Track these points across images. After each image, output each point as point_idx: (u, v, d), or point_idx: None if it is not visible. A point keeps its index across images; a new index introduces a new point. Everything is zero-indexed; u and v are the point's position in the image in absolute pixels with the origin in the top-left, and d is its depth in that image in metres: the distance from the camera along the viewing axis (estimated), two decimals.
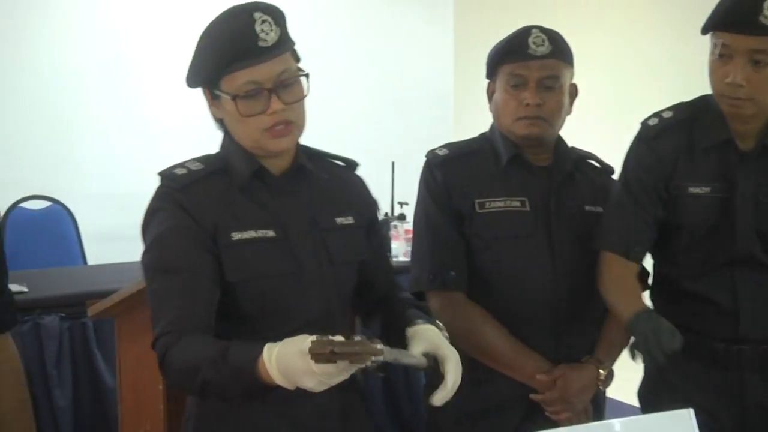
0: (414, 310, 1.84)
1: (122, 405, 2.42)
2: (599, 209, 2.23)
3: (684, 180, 2.12)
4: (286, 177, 1.78)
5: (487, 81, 2.28)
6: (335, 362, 1.42)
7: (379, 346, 1.46)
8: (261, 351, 1.51)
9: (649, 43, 6.53)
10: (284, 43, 1.71)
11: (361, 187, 1.96)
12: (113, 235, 5.11)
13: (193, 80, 1.77)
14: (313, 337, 1.44)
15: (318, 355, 1.42)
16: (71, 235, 4.65)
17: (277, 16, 1.70)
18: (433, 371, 1.67)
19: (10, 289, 1.87)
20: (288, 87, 1.70)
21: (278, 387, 1.51)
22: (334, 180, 1.88)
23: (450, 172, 2.24)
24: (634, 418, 1.84)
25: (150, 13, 5.28)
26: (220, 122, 1.78)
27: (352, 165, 1.96)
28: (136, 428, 2.32)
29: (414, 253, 2.28)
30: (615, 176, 2.36)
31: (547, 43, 2.15)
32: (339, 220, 1.83)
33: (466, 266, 2.21)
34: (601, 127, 6.69)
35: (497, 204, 2.20)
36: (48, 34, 5.07)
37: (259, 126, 1.68)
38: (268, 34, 1.68)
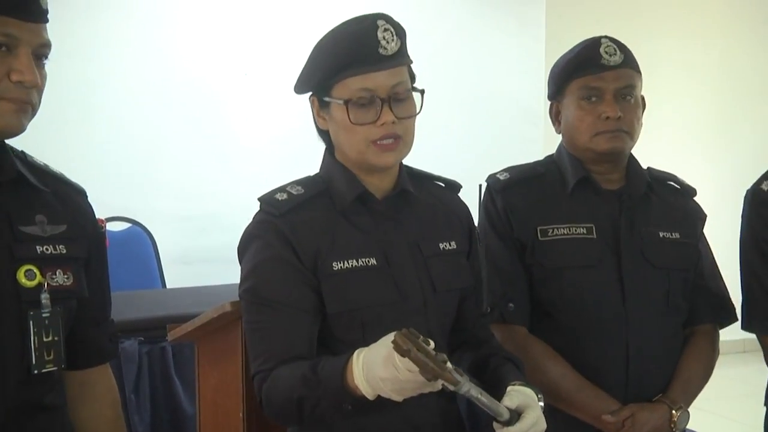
0: (513, 368, 1.83)
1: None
2: (676, 235, 2.18)
3: None
4: (389, 201, 1.81)
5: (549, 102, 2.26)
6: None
7: (460, 377, 1.49)
8: (351, 356, 1.56)
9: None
10: (403, 56, 1.76)
11: (463, 210, 1.98)
12: (193, 258, 5.19)
13: (302, 86, 1.82)
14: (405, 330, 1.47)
15: (398, 345, 1.44)
16: (150, 257, 4.71)
17: (399, 29, 1.77)
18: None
19: (112, 319, 1.91)
20: (401, 101, 1.75)
21: (367, 400, 1.54)
22: (437, 203, 1.88)
23: (511, 197, 2.22)
24: None
25: (230, 32, 5.37)
26: (325, 136, 1.80)
27: (454, 187, 1.98)
28: None
29: None
30: (699, 198, 2.31)
31: (618, 52, 2.14)
32: (442, 245, 1.85)
33: (528, 298, 2.19)
34: (692, 146, 6.57)
35: (561, 231, 2.17)
36: (128, 53, 5.16)
37: (368, 137, 1.72)
38: (389, 43, 1.73)
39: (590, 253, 2.15)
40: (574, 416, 2.12)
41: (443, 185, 1.96)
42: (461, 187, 1.99)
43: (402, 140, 1.75)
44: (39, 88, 1.62)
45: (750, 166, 6.46)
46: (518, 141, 5.69)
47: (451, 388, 1.50)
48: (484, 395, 1.60)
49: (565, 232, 2.17)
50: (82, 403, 1.84)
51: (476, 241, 1.99)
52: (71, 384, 1.81)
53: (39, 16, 1.60)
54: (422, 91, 1.78)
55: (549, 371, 2.11)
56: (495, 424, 1.67)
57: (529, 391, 1.71)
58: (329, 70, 1.73)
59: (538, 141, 5.72)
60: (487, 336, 1.97)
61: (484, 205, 2.26)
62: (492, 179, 2.27)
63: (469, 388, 1.53)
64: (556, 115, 2.24)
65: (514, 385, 1.73)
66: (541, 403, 1.73)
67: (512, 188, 2.23)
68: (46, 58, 1.64)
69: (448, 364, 1.48)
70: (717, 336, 2.29)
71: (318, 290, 1.74)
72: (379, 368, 1.48)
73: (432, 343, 1.48)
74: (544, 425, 1.69)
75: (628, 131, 2.14)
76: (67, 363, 1.73)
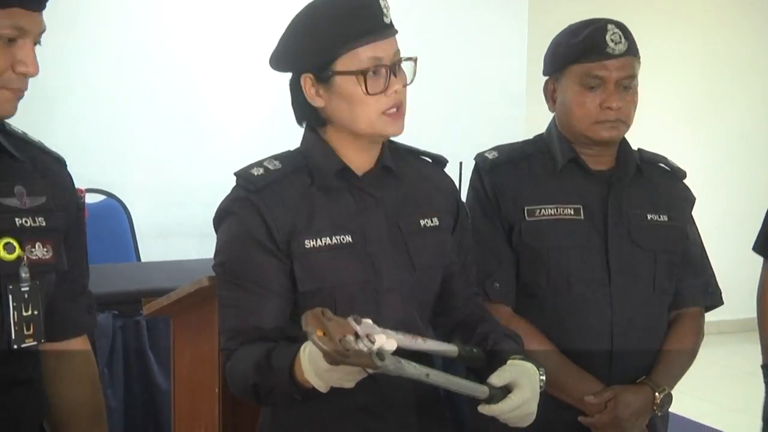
0: (512, 344, 1.85)
1: (176, 408, 2.46)
2: (664, 218, 2.20)
3: None
4: (369, 177, 1.80)
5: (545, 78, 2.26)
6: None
7: (389, 361, 1.47)
8: (299, 350, 1.56)
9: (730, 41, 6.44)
10: (393, 25, 1.77)
11: (448, 185, 1.98)
12: (168, 231, 5.18)
13: (291, 63, 1.80)
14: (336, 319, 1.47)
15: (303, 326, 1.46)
16: (125, 230, 4.70)
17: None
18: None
19: (90, 290, 1.90)
20: (400, 70, 1.75)
21: (315, 391, 1.55)
22: (420, 179, 1.89)
23: (499, 177, 2.23)
24: None
25: (206, 6, 5.35)
26: (311, 113, 1.79)
27: (441, 162, 1.99)
28: None
29: None
30: (687, 180, 2.33)
31: (623, 39, 2.12)
32: (423, 222, 1.85)
33: (514, 278, 2.21)
34: (680, 127, 6.61)
35: (548, 212, 2.18)
36: (106, 27, 5.15)
37: (379, 107, 1.73)
38: (389, 10, 1.76)
39: (577, 234, 2.18)
40: (557, 397, 2.13)
41: (429, 160, 1.96)
42: (447, 162, 1.99)
43: (403, 108, 1.78)
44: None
45: (737, 147, 6.55)
46: (500, 120, 5.70)
47: (369, 371, 1.50)
48: (442, 376, 1.60)
49: (553, 213, 2.18)
50: (59, 376, 1.84)
51: (465, 216, 2.00)
52: (48, 356, 1.81)
53: (43, 3, 1.61)
54: (415, 59, 1.79)
55: (532, 352, 2.09)
56: (479, 407, 1.68)
57: (527, 367, 1.73)
58: (334, 42, 1.71)
59: (519, 120, 5.73)
60: (483, 314, 1.97)
61: (471, 184, 2.29)
62: (480, 158, 2.28)
63: (405, 370, 1.52)
64: (550, 93, 2.23)
65: (514, 359, 1.74)
66: (543, 377, 1.75)
67: (500, 167, 2.24)
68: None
69: (376, 346, 1.47)
70: (702, 319, 2.32)
71: (290, 271, 1.74)
72: (321, 359, 1.47)
73: (357, 324, 1.48)
74: (532, 408, 1.70)
75: (626, 121, 2.16)
76: (45, 335, 1.73)
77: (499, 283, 2.19)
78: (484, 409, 1.67)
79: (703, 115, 6.79)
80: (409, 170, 1.90)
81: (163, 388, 3.17)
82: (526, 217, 2.18)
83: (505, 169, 2.24)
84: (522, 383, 1.69)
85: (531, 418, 1.71)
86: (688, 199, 2.35)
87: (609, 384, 2.15)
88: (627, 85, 2.13)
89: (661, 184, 2.29)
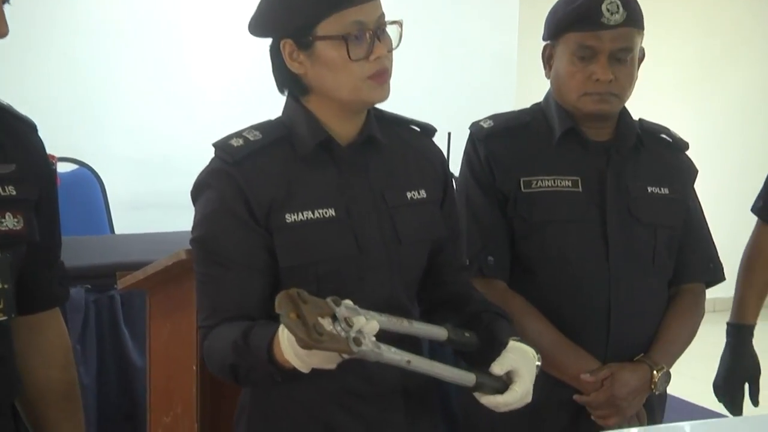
0: (507, 325, 1.85)
1: (151, 386, 2.46)
2: (665, 191, 2.21)
3: None
4: (354, 148, 1.80)
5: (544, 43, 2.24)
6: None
7: (365, 347, 1.46)
8: (278, 330, 1.55)
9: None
10: None
11: (437, 156, 1.97)
12: (144, 203, 5.17)
13: (271, 28, 1.77)
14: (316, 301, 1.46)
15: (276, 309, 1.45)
16: (98, 201, 4.67)
17: None
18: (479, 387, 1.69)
19: (63, 261, 1.90)
20: (384, 34, 1.73)
21: (296, 370, 1.54)
22: (407, 149, 1.89)
23: (494, 147, 2.23)
24: (705, 422, 1.85)
25: None
26: (292, 80, 1.78)
27: (429, 131, 1.98)
28: (166, 411, 2.36)
29: None
30: (689, 152, 2.34)
31: (621, 9, 2.08)
32: (410, 194, 1.85)
33: (509, 252, 2.21)
34: (680, 97, 6.63)
35: (545, 183, 2.18)
36: None
37: (363, 73, 1.71)
38: None
39: (575, 207, 2.17)
40: (552, 375, 2.13)
41: (417, 129, 1.95)
42: (436, 131, 1.98)
43: (388, 74, 1.75)
44: None
45: (734, 118, 6.57)
46: (490, 90, 5.70)
47: (344, 356, 1.49)
48: (425, 362, 1.60)
49: (549, 185, 2.18)
50: (31, 350, 1.83)
51: (452, 189, 1.99)
52: (20, 330, 1.79)
53: None
54: (400, 23, 1.77)
55: (527, 328, 2.11)
56: (476, 393, 1.69)
57: (526, 351, 1.73)
58: (315, 6, 1.69)
59: (510, 90, 5.74)
60: (470, 292, 1.97)
61: (465, 154, 2.28)
62: (475, 127, 2.27)
63: (384, 356, 1.52)
64: (548, 59, 2.21)
65: (515, 341, 1.75)
66: (538, 363, 1.75)
67: (496, 137, 2.24)
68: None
69: (354, 330, 1.46)
70: (703, 296, 2.33)
71: (271, 246, 1.74)
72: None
73: (336, 306, 1.48)
74: (530, 398, 1.72)
75: (618, 94, 2.14)
76: (17, 309, 1.71)
77: (493, 257, 2.18)
78: (485, 399, 1.68)
79: (700, 85, 6.81)
80: (396, 140, 1.88)
81: (138, 365, 3.17)
82: (522, 189, 2.18)
83: (500, 138, 2.23)
84: (522, 372, 1.70)
85: (527, 401, 1.73)
86: (691, 172, 2.34)
87: (605, 362, 2.15)
88: (622, 58, 2.11)
89: (662, 155, 2.28)
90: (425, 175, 1.91)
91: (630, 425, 2.14)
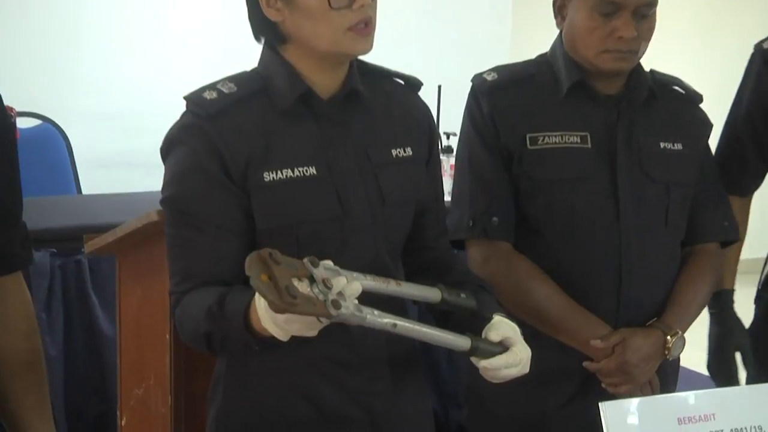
0: (491, 298, 1.84)
1: (122, 356, 2.47)
2: (678, 146, 2.21)
3: None
4: (335, 102, 1.78)
5: None
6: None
7: (336, 312, 1.44)
8: (254, 296, 1.53)
9: None
10: None
11: (423, 112, 1.95)
12: (112, 161, 5.16)
13: None
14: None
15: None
16: (63, 159, 4.68)
17: None
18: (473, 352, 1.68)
19: (24, 222, 1.87)
20: None
21: (274, 339, 1.53)
22: (392, 104, 1.88)
23: (498, 101, 2.21)
24: (710, 391, 1.87)
25: None
26: (270, 28, 1.77)
27: (415, 85, 1.96)
28: (138, 383, 2.37)
29: (454, 194, 2.28)
30: (703, 105, 2.34)
31: None
32: (395, 152, 1.84)
33: (514, 212, 2.20)
34: (692, 44, 6.61)
35: (552, 139, 2.17)
36: None
37: (344, 23, 1.69)
38: None
39: (583, 164, 2.16)
40: (560, 341, 2.15)
41: (402, 83, 1.93)
42: (422, 84, 1.96)
43: (372, 24, 1.73)
44: None
45: (734, 70, 6.56)
46: (483, 42, 5.68)
47: (323, 320, 1.47)
48: (414, 326, 1.59)
49: (557, 141, 2.17)
50: None
51: (437, 148, 1.99)
52: None
53: None
54: None
55: (534, 292, 2.13)
56: (473, 359, 1.68)
57: (514, 326, 1.73)
58: None
59: (504, 41, 5.71)
60: (452, 259, 1.96)
61: (468, 109, 2.26)
62: (478, 79, 2.25)
63: (367, 320, 1.50)
64: (560, 9, 2.19)
65: (499, 316, 1.75)
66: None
67: (500, 90, 2.22)
68: None
69: (334, 292, 1.45)
70: (718, 257, 2.33)
71: (247, 206, 1.73)
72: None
73: (313, 267, 1.46)
74: (528, 368, 1.71)
75: (638, 51, 2.13)
76: None
77: (498, 217, 2.17)
78: (484, 363, 1.67)
79: (701, 36, 6.81)
80: (380, 94, 1.86)
81: (107, 335, 3.18)
82: (528, 145, 2.16)
83: (505, 92, 2.21)
84: (519, 339, 1.70)
85: (525, 371, 1.72)
86: (705, 126, 2.33)
87: (617, 327, 2.15)
88: (645, 14, 2.09)
89: (675, 109, 2.27)
90: (411, 132, 1.89)
91: (643, 393, 2.13)
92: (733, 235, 2.34)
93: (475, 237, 2.17)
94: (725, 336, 2.44)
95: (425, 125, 1.94)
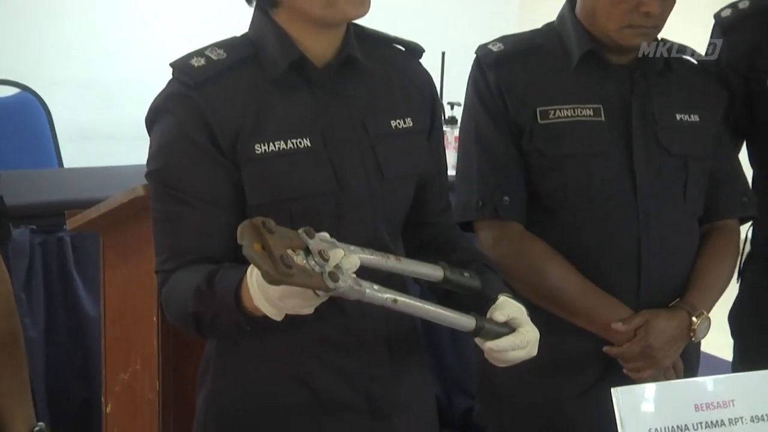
0: (496, 278, 1.83)
1: (106, 339, 2.47)
2: (695, 118, 2.20)
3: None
4: (331, 70, 1.77)
5: None
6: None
7: (334, 284, 1.42)
8: (245, 274, 1.52)
9: None
10: None
11: (424, 80, 1.93)
12: (95, 133, 5.15)
13: None
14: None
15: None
16: (44, 130, 4.68)
17: None
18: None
19: (1, 196, 1.86)
20: None
21: (267, 318, 1.51)
22: (392, 72, 1.86)
23: (506, 72, 2.19)
24: (729, 376, 1.86)
25: None
26: None
27: (416, 51, 1.93)
28: (124, 367, 2.37)
29: (460, 172, 2.25)
30: None
31: None
32: (395, 123, 1.82)
33: (525, 191, 2.19)
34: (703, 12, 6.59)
35: (564, 113, 2.16)
36: None
37: None
38: None
39: (597, 138, 2.15)
40: (578, 326, 2.14)
41: (402, 49, 1.91)
42: (423, 51, 1.93)
43: None
44: None
45: None
46: (488, 4, 5.66)
47: (320, 294, 1.44)
48: (416, 303, 1.57)
49: (569, 114, 2.15)
50: None
51: (440, 119, 1.97)
52: None
53: None
54: None
55: (549, 274, 2.12)
56: (478, 340, 1.65)
57: (521, 306, 1.72)
58: None
59: (511, 4, 5.70)
60: (456, 236, 1.95)
61: (473, 81, 2.23)
62: (483, 51, 2.22)
63: (366, 294, 1.48)
64: None
65: (505, 296, 1.73)
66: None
67: (507, 62, 2.19)
68: None
69: (331, 264, 1.43)
70: (738, 232, 2.33)
71: (237, 181, 1.71)
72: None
73: (309, 238, 1.45)
74: (536, 351, 1.69)
75: (660, 26, 2.13)
76: None
77: (509, 196, 2.16)
78: (489, 344, 1.64)
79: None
80: (379, 61, 1.83)
81: (91, 315, 3.18)
82: (539, 120, 2.15)
83: (512, 63, 2.19)
84: (526, 320, 1.69)
85: (533, 353, 1.70)
86: (722, 96, 2.32)
87: (638, 309, 2.13)
88: None
89: (690, 79, 2.26)
90: (411, 102, 1.87)
91: (666, 378, 2.12)
92: (752, 211, 2.33)
93: (486, 218, 2.16)
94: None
95: (427, 94, 1.92)
